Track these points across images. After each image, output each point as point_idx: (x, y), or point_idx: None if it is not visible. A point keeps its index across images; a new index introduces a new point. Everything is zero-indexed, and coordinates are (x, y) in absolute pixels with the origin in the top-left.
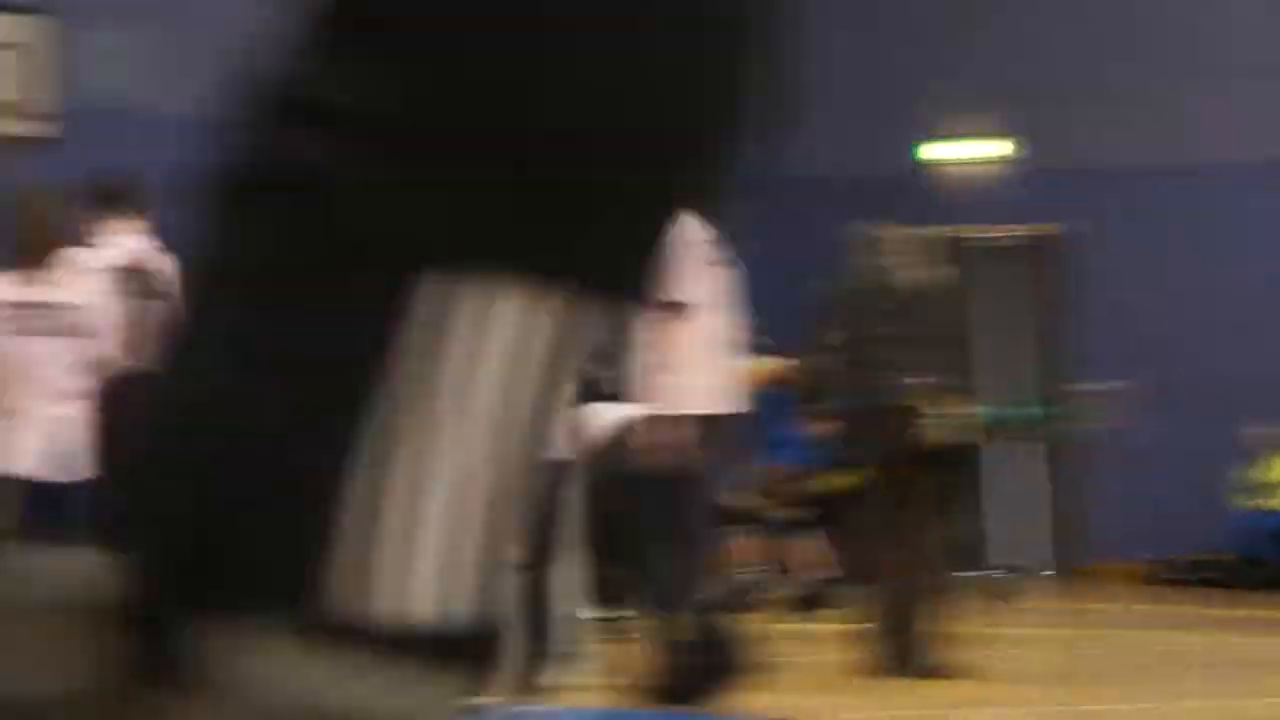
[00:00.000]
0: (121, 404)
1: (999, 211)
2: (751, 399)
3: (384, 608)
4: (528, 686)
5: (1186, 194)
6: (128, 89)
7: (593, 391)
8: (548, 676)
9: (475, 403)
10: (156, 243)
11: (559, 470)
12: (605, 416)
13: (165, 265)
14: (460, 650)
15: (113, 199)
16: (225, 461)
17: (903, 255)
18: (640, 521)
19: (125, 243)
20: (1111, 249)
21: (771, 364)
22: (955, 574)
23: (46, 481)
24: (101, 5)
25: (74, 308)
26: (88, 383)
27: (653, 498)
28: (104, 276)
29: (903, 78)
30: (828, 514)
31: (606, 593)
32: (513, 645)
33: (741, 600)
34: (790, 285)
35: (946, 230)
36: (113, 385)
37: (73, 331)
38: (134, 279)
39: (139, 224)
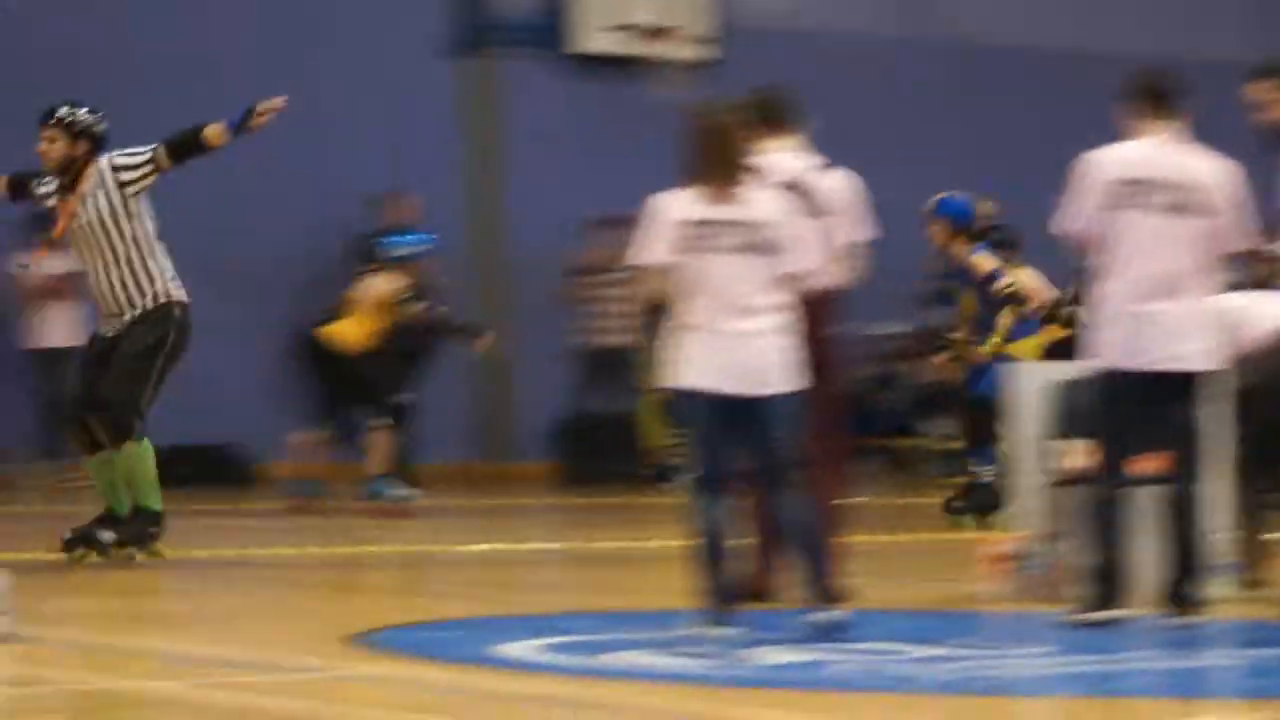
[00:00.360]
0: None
1: None
2: None
3: None
4: (1178, 600)
5: None
6: (786, 10)
7: (1247, 284)
8: (1199, 590)
9: None
10: (815, 160)
11: (1203, 380)
12: (1265, 315)
13: (824, 183)
14: None
15: (773, 116)
16: None
17: None
18: None
19: (785, 160)
20: None
21: None
22: None
23: (731, 396)
24: None
25: (761, 225)
26: (776, 299)
27: None
28: (777, 193)
29: None
30: None
31: (1260, 506)
32: (1161, 559)
33: None
34: None
35: None
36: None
37: (761, 249)
38: (795, 196)
39: (798, 141)
